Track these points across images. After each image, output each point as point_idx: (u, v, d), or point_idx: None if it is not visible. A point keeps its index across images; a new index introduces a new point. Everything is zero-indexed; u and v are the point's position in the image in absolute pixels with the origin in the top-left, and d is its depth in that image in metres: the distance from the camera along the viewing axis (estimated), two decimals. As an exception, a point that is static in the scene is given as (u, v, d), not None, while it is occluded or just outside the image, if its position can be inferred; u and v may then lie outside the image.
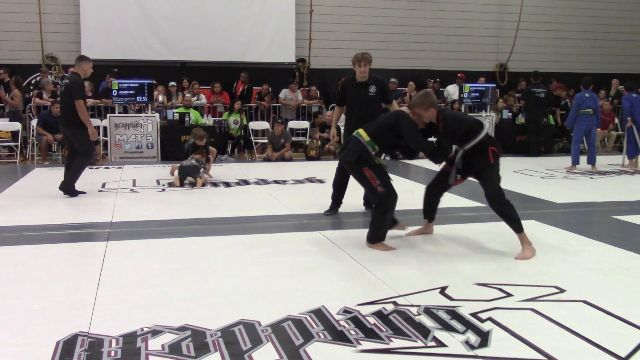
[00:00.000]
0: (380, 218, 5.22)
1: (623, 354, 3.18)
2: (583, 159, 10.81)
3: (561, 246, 5.42)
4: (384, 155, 5.27)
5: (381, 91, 6.65)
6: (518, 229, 5.12)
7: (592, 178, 9.79)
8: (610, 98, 15.12)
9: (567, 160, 11.03)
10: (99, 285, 4.23)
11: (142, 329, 3.45)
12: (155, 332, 3.41)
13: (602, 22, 17.23)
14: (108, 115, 11.94)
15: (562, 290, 4.19)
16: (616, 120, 14.55)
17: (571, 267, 4.76)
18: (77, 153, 7.64)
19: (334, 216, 6.62)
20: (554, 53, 16.91)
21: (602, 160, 11.50)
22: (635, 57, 17.53)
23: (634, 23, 17.52)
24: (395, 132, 5.13)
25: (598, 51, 17.28)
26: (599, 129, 12.17)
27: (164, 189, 8.39)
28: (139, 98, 11.85)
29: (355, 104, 6.61)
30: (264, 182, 9.00)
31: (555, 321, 3.62)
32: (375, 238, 5.25)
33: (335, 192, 6.76)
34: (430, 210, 5.71)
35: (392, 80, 14.59)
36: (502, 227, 6.10)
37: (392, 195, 5.17)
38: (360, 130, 5.23)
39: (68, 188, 7.59)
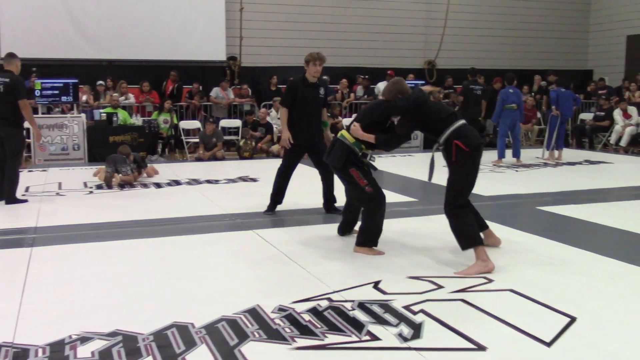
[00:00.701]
0: (372, 219, 5.02)
1: (548, 339, 3.31)
2: (508, 153, 11.17)
3: (489, 237, 5.58)
4: (369, 155, 5.10)
5: (326, 94, 6.59)
6: (462, 245, 4.63)
7: (517, 171, 10.13)
8: (532, 93, 15.67)
9: (493, 155, 11.36)
10: (23, 293, 4.07)
11: (70, 337, 3.34)
12: (84, 339, 3.32)
13: (525, 20, 17.83)
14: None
15: (490, 281, 4.32)
16: (539, 115, 15.09)
17: (498, 258, 4.91)
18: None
19: (266, 215, 6.56)
20: (479, 50, 17.38)
21: (527, 154, 11.91)
22: (556, 54, 18.24)
23: (555, 21, 18.22)
24: (381, 127, 4.95)
25: (521, 48, 17.88)
26: (522, 124, 12.58)
27: (91, 192, 8.16)
28: (63, 98, 11.47)
29: (306, 106, 6.35)
30: (195, 182, 8.88)
31: (484, 310, 3.73)
32: (370, 242, 5.04)
33: (275, 190, 6.59)
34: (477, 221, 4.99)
35: (324, 77, 14.64)
36: (434, 220, 6.25)
37: (380, 193, 5.03)
38: (344, 132, 5.10)
39: (11, 198, 7.24)
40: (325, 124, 6.63)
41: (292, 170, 6.57)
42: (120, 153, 8.83)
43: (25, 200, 7.39)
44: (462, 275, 4.44)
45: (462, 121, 4.70)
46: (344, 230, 5.56)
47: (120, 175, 8.47)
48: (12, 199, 7.24)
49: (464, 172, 4.61)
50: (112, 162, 8.55)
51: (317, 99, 6.44)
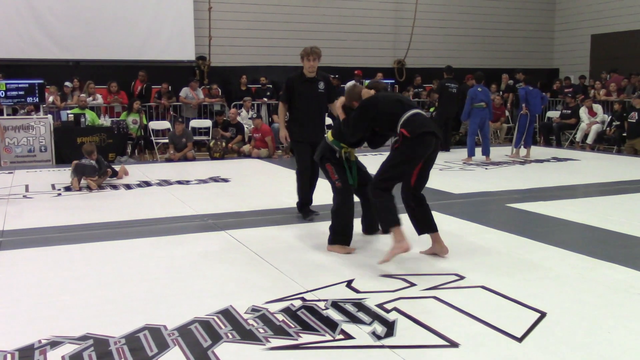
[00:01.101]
0: (338, 215, 5.11)
1: (519, 334, 3.36)
2: (478, 151, 11.30)
3: (460, 235, 5.64)
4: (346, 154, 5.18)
5: (328, 88, 6.38)
6: (385, 226, 4.70)
7: (486, 169, 10.25)
8: (500, 92, 15.87)
9: (463, 153, 11.49)
10: (-10, 298, 3.99)
11: (39, 341, 3.29)
12: (54, 344, 3.26)
13: (492, 19, 18.06)
14: (-5, 117, 11.26)
15: (461, 277, 4.36)
16: (507, 113, 15.29)
17: (470, 255, 4.97)
18: None
19: (238, 216, 6.52)
20: (447, 49, 17.54)
21: (496, 152, 12.06)
22: (523, 53, 18.52)
23: (522, 21, 18.48)
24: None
25: (488, 47, 18.11)
26: (491, 122, 12.72)
27: (60, 194, 8.03)
28: (29, 99, 11.26)
29: (303, 101, 6.23)
30: (166, 182, 8.80)
31: (456, 307, 3.77)
32: (340, 239, 5.10)
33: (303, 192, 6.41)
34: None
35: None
36: (405, 219, 6.29)
37: (349, 190, 5.16)
38: (328, 132, 5.25)
39: None
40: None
41: (309, 167, 6.27)
42: (85, 151, 8.67)
43: None
44: (384, 261, 4.53)
45: (414, 111, 4.60)
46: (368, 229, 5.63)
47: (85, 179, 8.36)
48: None
49: (398, 159, 4.57)
50: (80, 172, 8.38)
51: (316, 94, 6.27)
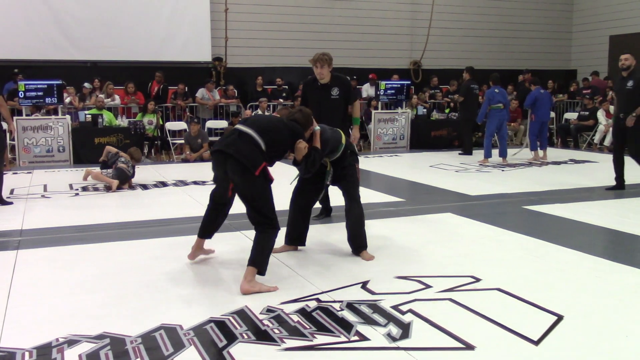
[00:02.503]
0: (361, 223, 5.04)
1: (535, 337, 3.34)
2: (495, 152, 11.23)
3: (476, 237, 5.61)
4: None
5: (345, 93, 6.24)
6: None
7: (503, 170, 10.18)
8: (515, 94, 15.74)
9: (480, 154, 11.43)
10: (9, 297, 4.03)
11: (57, 340, 3.32)
12: (71, 342, 3.29)
13: (509, 20, 17.95)
14: (15, 118, 11.37)
15: (477, 280, 4.34)
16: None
17: (486, 257, 4.94)
18: None
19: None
20: (464, 50, 17.46)
21: (513, 153, 11.98)
22: (540, 54, 18.38)
23: (539, 21, 18.36)
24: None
25: (505, 48, 17.99)
26: (508, 123, 12.65)
27: (77, 194, 8.09)
28: (47, 100, 11.37)
29: (315, 107, 6.08)
30: (182, 183, 8.85)
31: (472, 309, 3.75)
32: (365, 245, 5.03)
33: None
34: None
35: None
36: (421, 220, 6.28)
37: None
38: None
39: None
40: (355, 121, 6.45)
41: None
42: (134, 157, 8.89)
43: (11, 202, 7.33)
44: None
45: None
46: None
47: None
48: (1, 200, 7.21)
49: None
50: (124, 177, 8.46)
51: (328, 99, 6.20)
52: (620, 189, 8.10)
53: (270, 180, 4.22)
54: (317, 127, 4.68)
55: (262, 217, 4.20)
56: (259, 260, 4.16)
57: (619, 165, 8.19)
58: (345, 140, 4.98)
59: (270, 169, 4.28)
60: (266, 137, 4.23)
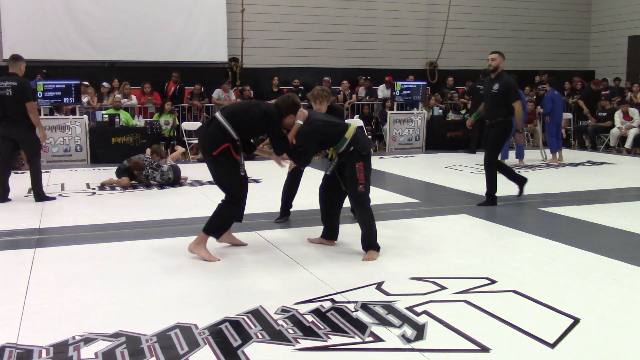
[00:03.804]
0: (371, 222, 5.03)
1: (551, 340, 3.31)
2: (512, 154, 11.16)
3: (492, 238, 5.59)
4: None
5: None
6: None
7: (520, 172, 10.09)
8: (534, 97, 15.62)
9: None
10: (27, 294, 4.07)
11: (73, 338, 3.35)
12: (87, 340, 3.32)
13: (526, 20, 17.82)
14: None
15: (493, 282, 4.31)
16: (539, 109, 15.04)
17: (501, 259, 4.91)
18: (14, 157, 7.72)
19: (268, 216, 6.53)
20: (480, 51, 17.32)
21: (530, 155, 11.90)
22: (558, 55, 18.23)
23: (557, 22, 18.21)
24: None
25: (522, 49, 17.84)
26: (525, 124, 12.55)
27: (94, 193, 8.16)
28: (65, 99, 11.47)
29: None
30: (198, 183, 8.89)
31: (487, 311, 3.73)
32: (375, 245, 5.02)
33: (284, 197, 6.46)
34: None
35: (325, 79, 14.66)
36: (436, 221, 6.26)
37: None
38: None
39: (39, 193, 7.52)
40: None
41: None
42: (157, 152, 8.93)
43: (53, 198, 7.67)
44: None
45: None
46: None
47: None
48: (42, 196, 7.52)
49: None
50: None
51: None
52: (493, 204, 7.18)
53: (234, 159, 4.81)
54: (298, 121, 4.95)
55: (224, 191, 4.95)
56: (210, 228, 4.90)
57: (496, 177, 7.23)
58: (351, 135, 4.95)
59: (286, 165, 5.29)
60: (234, 120, 4.76)
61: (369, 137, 12.17)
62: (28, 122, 7.35)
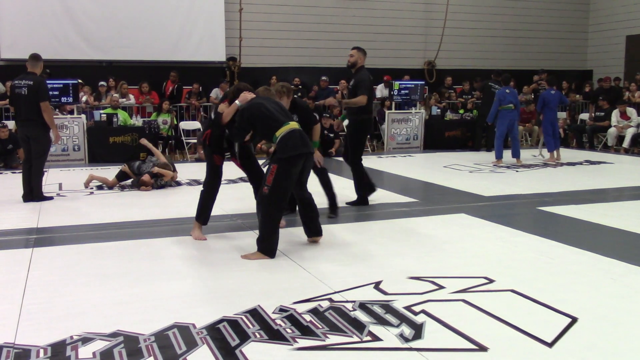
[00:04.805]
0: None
1: (549, 339, 3.31)
2: (507, 153, 11.16)
3: (489, 238, 5.59)
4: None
5: (304, 118, 6.02)
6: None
7: (517, 171, 10.12)
8: (532, 94, 15.65)
9: (493, 155, 11.37)
10: (24, 294, 4.07)
11: (71, 337, 3.34)
12: (85, 340, 3.31)
13: (524, 20, 17.82)
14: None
15: (491, 281, 4.32)
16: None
17: (499, 258, 4.92)
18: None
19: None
20: (478, 50, 17.38)
21: (526, 154, 11.91)
22: (555, 54, 18.24)
23: (554, 21, 18.22)
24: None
25: (520, 48, 17.87)
26: (521, 124, 12.59)
27: (92, 193, 8.16)
28: (63, 99, 11.45)
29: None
30: (196, 182, 8.88)
31: (485, 311, 3.73)
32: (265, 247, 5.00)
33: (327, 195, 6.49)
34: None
35: (323, 78, 14.65)
36: (434, 221, 6.26)
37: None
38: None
39: (36, 193, 7.49)
40: (314, 144, 6.03)
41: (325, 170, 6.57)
42: (162, 165, 8.81)
43: (51, 198, 7.66)
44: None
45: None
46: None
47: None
48: (39, 195, 7.51)
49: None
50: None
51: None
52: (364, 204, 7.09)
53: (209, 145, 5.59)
54: (237, 102, 5.23)
55: None
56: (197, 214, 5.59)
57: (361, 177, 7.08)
58: (281, 134, 4.86)
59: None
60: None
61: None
62: (42, 121, 7.38)
